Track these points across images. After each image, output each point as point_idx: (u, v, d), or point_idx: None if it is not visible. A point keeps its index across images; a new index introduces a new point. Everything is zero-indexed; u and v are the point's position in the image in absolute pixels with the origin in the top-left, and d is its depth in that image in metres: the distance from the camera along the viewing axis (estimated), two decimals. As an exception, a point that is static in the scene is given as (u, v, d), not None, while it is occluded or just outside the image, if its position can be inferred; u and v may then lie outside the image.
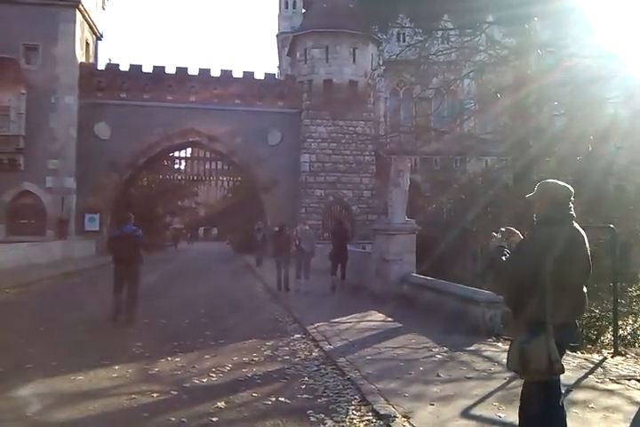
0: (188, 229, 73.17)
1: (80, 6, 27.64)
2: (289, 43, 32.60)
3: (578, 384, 5.36)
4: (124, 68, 29.05)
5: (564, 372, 3.13)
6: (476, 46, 17.31)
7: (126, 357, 6.52)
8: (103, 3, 32.85)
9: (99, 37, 32.10)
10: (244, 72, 29.89)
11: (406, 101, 35.05)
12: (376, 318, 9.33)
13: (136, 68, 28.96)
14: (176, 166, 35.81)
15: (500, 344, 7.09)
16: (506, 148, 17.73)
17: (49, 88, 26.71)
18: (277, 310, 10.69)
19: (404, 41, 31.59)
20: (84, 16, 28.62)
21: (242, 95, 29.24)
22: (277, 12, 40.20)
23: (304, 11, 38.15)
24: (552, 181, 3.39)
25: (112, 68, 29.24)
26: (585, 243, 3.28)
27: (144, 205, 33.13)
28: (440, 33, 21.60)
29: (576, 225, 3.29)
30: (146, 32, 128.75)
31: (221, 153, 30.49)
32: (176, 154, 32.66)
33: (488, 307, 7.92)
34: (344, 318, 9.16)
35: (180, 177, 35.41)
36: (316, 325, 8.44)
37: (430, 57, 17.92)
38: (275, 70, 39.79)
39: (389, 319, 9.11)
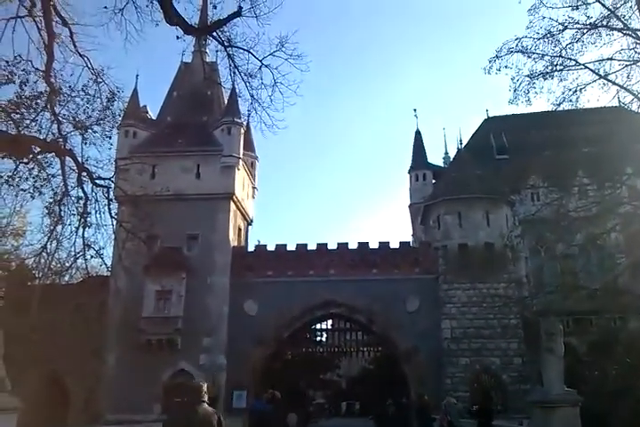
0: (330, 403, 70.71)
1: (234, 197, 31.75)
2: (421, 212, 33.99)
3: None
4: (271, 247, 31.67)
5: None
6: (618, 198, 16.70)
7: None
8: (253, 193, 37.45)
9: (249, 223, 35.98)
10: (379, 242, 31.14)
11: (549, 259, 33.53)
12: None
13: (281, 248, 31.41)
14: (317, 338, 36.17)
15: None
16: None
17: (205, 271, 29.55)
18: None
19: (538, 200, 31.34)
20: (237, 206, 32.63)
21: (378, 264, 30.12)
22: (408, 186, 42.79)
23: (434, 181, 40.27)
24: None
25: (260, 249, 32.04)
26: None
27: (287, 379, 33.11)
28: (576, 189, 21.06)
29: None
30: (289, 211, 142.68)
31: (361, 322, 30.55)
32: (317, 326, 33.27)
33: None
34: None
35: (321, 349, 35.49)
36: None
37: (569, 213, 17.36)
38: (409, 238, 40.95)
39: None
